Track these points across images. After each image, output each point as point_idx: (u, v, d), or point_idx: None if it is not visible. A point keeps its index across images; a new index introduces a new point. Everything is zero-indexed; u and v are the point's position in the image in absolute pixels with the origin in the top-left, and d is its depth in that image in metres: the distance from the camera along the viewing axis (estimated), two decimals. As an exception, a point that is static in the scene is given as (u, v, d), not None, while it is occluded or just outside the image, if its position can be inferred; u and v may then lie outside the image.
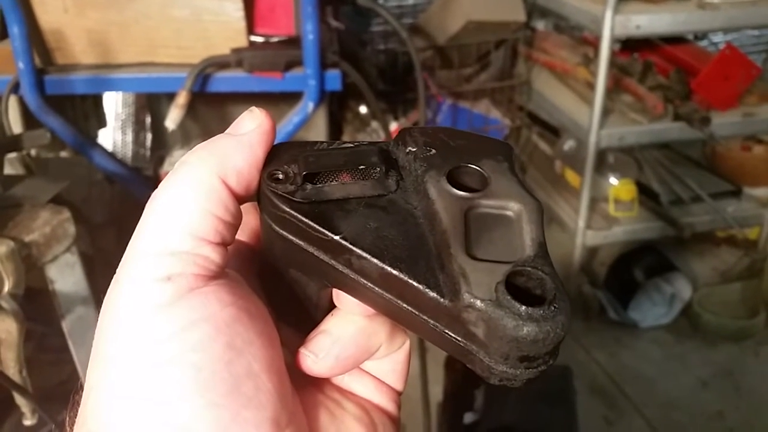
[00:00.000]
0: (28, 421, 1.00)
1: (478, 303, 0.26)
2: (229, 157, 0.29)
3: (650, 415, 1.93)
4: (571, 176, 2.26)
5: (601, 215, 2.18)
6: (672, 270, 2.31)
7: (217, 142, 0.30)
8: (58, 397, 1.06)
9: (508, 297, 0.25)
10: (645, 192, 2.23)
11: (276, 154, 0.31)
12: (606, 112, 2.00)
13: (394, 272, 0.27)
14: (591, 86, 2.02)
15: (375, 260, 0.28)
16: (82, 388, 0.27)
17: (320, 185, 0.30)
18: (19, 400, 1.00)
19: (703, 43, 2.53)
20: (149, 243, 0.27)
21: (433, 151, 0.32)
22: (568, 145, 2.28)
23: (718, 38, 2.61)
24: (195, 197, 0.28)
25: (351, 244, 0.28)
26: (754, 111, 2.11)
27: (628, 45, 2.24)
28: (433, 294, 0.27)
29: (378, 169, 0.31)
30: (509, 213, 0.30)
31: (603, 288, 2.29)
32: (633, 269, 2.31)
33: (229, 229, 0.29)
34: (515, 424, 1.48)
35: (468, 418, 1.46)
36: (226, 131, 0.31)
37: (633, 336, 2.23)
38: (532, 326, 0.25)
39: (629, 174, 2.20)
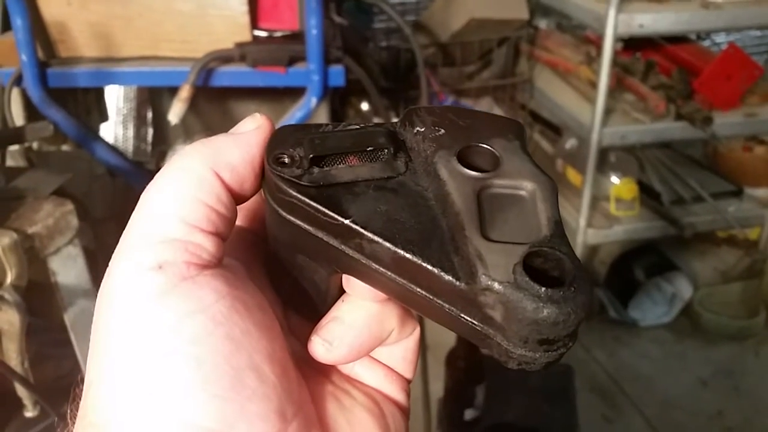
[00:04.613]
0: (29, 413, 1.00)
1: (496, 285, 0.25)
2: (223, 152, 0.29)
3: (650, 413, 1.93)
4: (572, 175, 2.25)
5: (603, 214, 2.17)
6: (672, 269, 2.31)
7: (214, 138, 0.30)
8: (60, 390, 1.06)
9: (527, 278, 0.25)
10: (646, 191, 2.23)
11: (280, 137, 0.30)
12: (608, 111, 1.99)
13: (407, 256, 0.27)
14: (593, 85, 2.02)
15: (387, 244, 0.27)
16: (82, 381, 0.27)
17: (327, 168, 0.29)
18: (21, 392, 1.00)
19: (706, 43, 2.53)
20: (140, 232, 0.27)
21: (442, 131, 0.31)
22: (570, 143, 2.27)
23: (721, 38, 2.61)
24: (186, 186, 0.28)
25: (362, 227, 0.27)
26: (756, 111, 2.11)
27: (631, 44, 2.24)
28: (448, 277, 0.26)
29: (386, 150, 0.30)
30: (523, 192, 0.29)
31: (603, 287, 2.29)
32: (634, 268, 2.32)
33: (222, 221, 0.28)
34: (516, 421, 1.48)
35: (469, 414, 1.46)
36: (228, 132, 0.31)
37: (633, 335, 2.23)
38: (552, 308, 0.24)
39: (631, 173, 2.20)
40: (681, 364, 2.12)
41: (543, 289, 0.25)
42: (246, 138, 0.30)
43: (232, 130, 0.31)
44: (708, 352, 2.16)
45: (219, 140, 0.30)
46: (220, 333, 0.26)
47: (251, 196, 0.30)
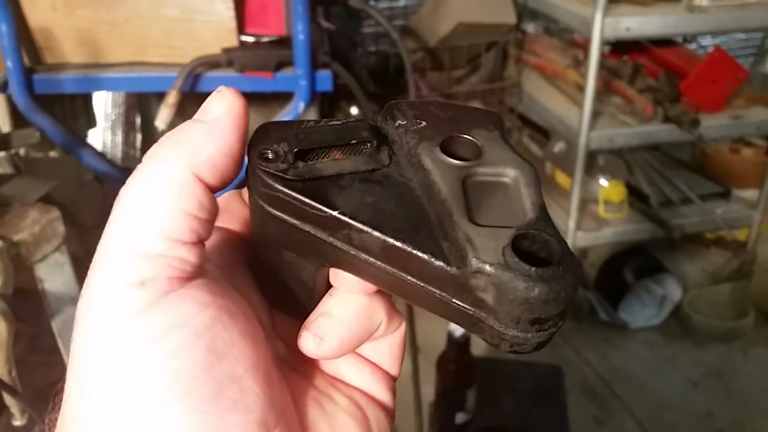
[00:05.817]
0: (17, 422, 0.99)
1: (487, 267, 0.25)
2: (200, 149, 0.27)
3: (640, 415, 1.93)
4: (561, 178, 2.26)
5: (591, 217, 2.18)
6: (662, 271, 2.32)
7: (186, 131, 0.27)
8: (49, 398, 1.05)
9: (517, 259, 0.25)
10: (635, 193, 2.24)
11: (264, 133, 0.30)
12: (596, 114, 2.00)
13: (397, 244, 0.27)
14: (581, 88, 2.03)
15: (376, 233, 0.27)
16: (62, 390, 0.27)
17: (312, 162, 0.29)
18: (9, 400, 0.99)
19: (692, 47, 2.55)
20: (120, 245, 0.26)
21: (424, 123, 0.31)
22: (558, 147, 2.28)
23: (707, 41, 2.63)
24: (167, 195, 0.26)
25: (350, 218, 0.28)
26: (742, 113, 2.13)
27: (618, 47, 2.26)
28: (438, 263, 0.27)
29: (369, 143, 0.30)
30: (506, 179, 0.29)
31: (593, 289, 2.30)
32: (623, 270, 2.32)
33: (204, 226, 0.27)
34: (507, 424, 1.48)
35: (460, 418, 1.46)
36: (194, 116, 0.28)
37: (623, 337, 2.24)
38: (543, 286, 0.25)
39: (619, 176, 2.21)
40: (671, 366, 2.12)
41: (533, 268, 0.25)
42: (220, 126, 0.28)
43: (199, 115, 0.28)
44: (698, 354, 2.17)
45: (192, 134, 0.27)
46: (201, 345, 0.25)
47: (230, 183, 0.29)
